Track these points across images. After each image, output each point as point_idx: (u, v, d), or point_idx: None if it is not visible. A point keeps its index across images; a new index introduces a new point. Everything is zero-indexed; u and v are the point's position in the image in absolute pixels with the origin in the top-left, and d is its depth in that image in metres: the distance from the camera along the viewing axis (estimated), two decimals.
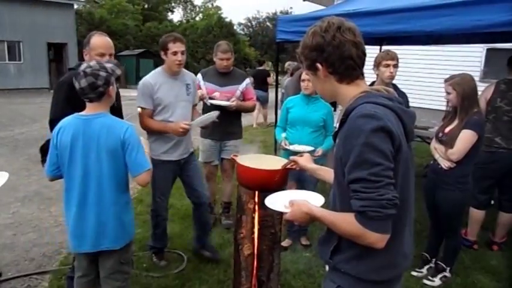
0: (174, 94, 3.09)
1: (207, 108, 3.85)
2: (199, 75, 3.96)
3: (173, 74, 3.11)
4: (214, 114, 3.19)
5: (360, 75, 1.40)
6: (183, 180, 3.35)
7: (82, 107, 2.12)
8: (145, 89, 3.05)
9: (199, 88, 3.84)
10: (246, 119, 3.47)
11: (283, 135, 3.52)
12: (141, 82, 3.10)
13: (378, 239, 1.23)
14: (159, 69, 3.16)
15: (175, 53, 2.99)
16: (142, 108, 3.06)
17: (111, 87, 2.06)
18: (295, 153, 3.33)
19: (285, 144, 3.41)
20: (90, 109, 2.07)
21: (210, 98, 3.85)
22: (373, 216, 1.20)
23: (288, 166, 2.09)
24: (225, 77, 3.90)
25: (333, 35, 1.33)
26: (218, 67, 3.90)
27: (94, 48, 2.62)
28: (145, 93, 3.05)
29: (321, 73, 1.39)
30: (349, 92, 1.38)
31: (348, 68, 1.36)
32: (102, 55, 2.62)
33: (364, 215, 1.21)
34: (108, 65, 2.09)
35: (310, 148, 3.30)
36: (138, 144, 2.07)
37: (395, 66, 3.34)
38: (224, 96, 3.84)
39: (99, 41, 2.65)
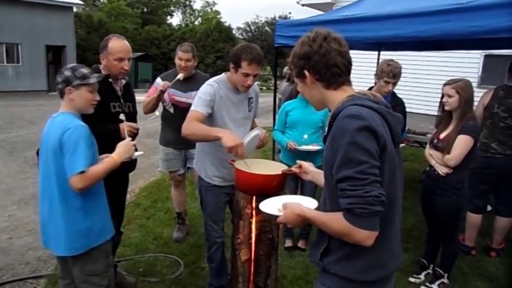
0: (234, 110, 2.64)
1: (169, 116, 3.59)
2: (158, 80, 3.61)
3: (237, 88, 2.61)
4: (255, 132, 2.53)
5: (346, 82, 1.45)
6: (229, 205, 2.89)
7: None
8: (208, 96, 2.52)
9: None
10: (261, 122, 3.27)
11: (292, 143, 3.46)
12: (204, 85, 2.60)
13: (366, 236, 1.26)
14: (224, 77, 2.64)
15: (246, 75, 2.47)
16: (195, 111, 2.50)
17: (69, 88, 2.05)
18: (299, 156, 3.35)
19: (294, 145, 3.41)
20: (60, 107, 2.12)
21: (174, 105, 3.54)
22: (360, 213, 1.23)
23: (288, 172, 2.10)
24: (187, 82, 3.52)
25: (319, 44, 1.41)
26: (178, 69, 3.58)
27: (112, 53, 2.50)
28: (207, 100, 2.51)
29: (308, 80, 1.46)
30: (336, 97, 1.44)
31: (334, 74, 1.42)
32: (121, 60, 2.52)
33: (351, 212, 1.24)
34: (83, 70, 2.10)
35: (319, 147, 3.34)
36: (76, 145, 1.94)
37: (395, 83, 3.43)
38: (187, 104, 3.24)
39: (118, 45, 2.52)
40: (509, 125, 3.51)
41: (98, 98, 2.17)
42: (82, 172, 1.93)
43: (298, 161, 1.99)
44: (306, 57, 1.43)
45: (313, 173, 1.89)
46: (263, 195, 1.90)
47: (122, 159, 2.13)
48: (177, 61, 3.57)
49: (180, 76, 3.47)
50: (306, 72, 1.45)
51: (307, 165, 1.93)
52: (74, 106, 2.09)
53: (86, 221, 2.07)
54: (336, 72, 1.41)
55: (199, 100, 2.53)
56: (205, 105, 2.50)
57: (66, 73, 2.08)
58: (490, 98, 3.62)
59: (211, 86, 2.57)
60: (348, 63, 1.44)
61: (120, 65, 2.55)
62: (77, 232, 2.05)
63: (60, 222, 2.04)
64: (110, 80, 2.61)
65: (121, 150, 2.16)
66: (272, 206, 1.67)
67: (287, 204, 1.51)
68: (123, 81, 2.78)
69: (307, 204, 1.60)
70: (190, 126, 2.45)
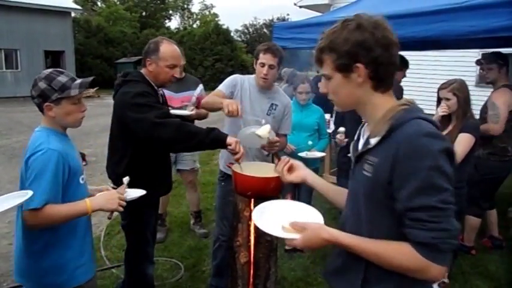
0: (250, 105, 2.69)
1: None
2: None
3: (262, 87, 2.72)
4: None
5: (391, 85, 1.24)
6: None
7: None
8: (232, 80, 2.75)
9: None
10: None
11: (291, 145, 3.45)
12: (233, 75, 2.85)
13: (439, 272, 1.10)
14: (254, 75, 2.78)
15: (262, 65, 2.60)
16: (217, 89, 2.73)
17: (48, 105, 1.70)
18: (298, 160, 3.36)
19: (292, 148, 3.41)
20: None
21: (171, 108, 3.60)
22: (444, 248, 1.08)
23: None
24: (179, 83, 3.67)
25: (382, 34, 1.15)
26: None
27: (165, 58, 2.30)
28: (229, 83, 2.73)
29: (358, 76, 1.18)
30: (383, 102, 1.21)
31: (391, 75, 1.21)
32: (174, 67, 2.34)
33: (432, 247, 1.07)
34: (60, 79, 1.69)
35: (322, 154, 3.36)
36: (39, 173, 1.60)
37: None
38: (180, 102, 3.59)
39: (171, 50, 2.33)
40: None
41: (84, 108, 1.81)
42: (37, 209, 1.58)
43: (284, 157, 1.67)
44: (364, 46, 1.14)
45: (305, 175, 1.57)
46: (261, 198, 1.89)
47: (95, 209, 1.71)
48: None
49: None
50: (360, 66, 1.16)
51: (298, 166, 1.61)
52: (56, 122, 1.77)
53: (49, 258, 1.72)
54: (393, 72, 1.20)
55: (223, 83, 2.77)
56: (226, 86, 2.73)
57: (40, 85, 1.69)
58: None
59: (236, 75, 2.84)
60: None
61: (172, 72, 2.36)
62: (43, 269, 1.73)
63: (24, 251, 1.75)
64: (157, 88, 2.45)
65: (101, 201, 1.74)
66: (271, 221, 1.38)
67: (306, 224, 1.25)
68: (161, 90, 2.61)
69: (311, 219, 1.37)
70: (207, 98, 2.76)
